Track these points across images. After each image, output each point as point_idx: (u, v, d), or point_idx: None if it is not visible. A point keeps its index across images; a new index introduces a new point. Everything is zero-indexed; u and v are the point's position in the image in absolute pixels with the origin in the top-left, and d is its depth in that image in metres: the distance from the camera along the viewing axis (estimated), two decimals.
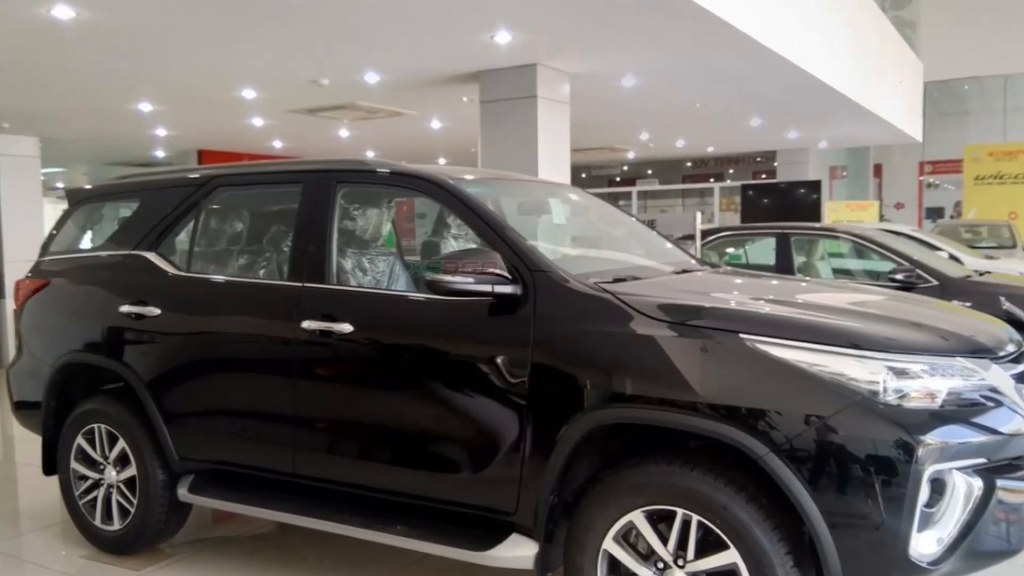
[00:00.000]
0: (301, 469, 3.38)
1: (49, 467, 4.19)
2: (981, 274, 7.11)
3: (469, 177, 3.52)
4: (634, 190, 18.10)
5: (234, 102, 9.20)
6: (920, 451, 2.32)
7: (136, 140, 12.17)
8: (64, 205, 4.57)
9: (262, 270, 3.97)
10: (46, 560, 4.02)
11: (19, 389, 4.41)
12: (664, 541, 2.59)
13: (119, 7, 5.56)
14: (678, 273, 3.53)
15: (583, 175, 21.53)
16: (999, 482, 2.43)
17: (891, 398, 2.38)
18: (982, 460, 2.43)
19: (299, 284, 3.38)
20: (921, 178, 25.02)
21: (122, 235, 4.12)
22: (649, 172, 20.93)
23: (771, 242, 7.24)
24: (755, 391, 2.46)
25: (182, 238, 4.00)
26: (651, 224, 5.71)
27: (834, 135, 14.99)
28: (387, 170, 3.42)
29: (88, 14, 5.63)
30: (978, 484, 2.41)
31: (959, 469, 2.40)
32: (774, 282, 3.67)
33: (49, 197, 13.07)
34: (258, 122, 10.79)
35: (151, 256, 3.90)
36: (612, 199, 16.12)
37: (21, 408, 4.41)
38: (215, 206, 4.07)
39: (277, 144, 13.12)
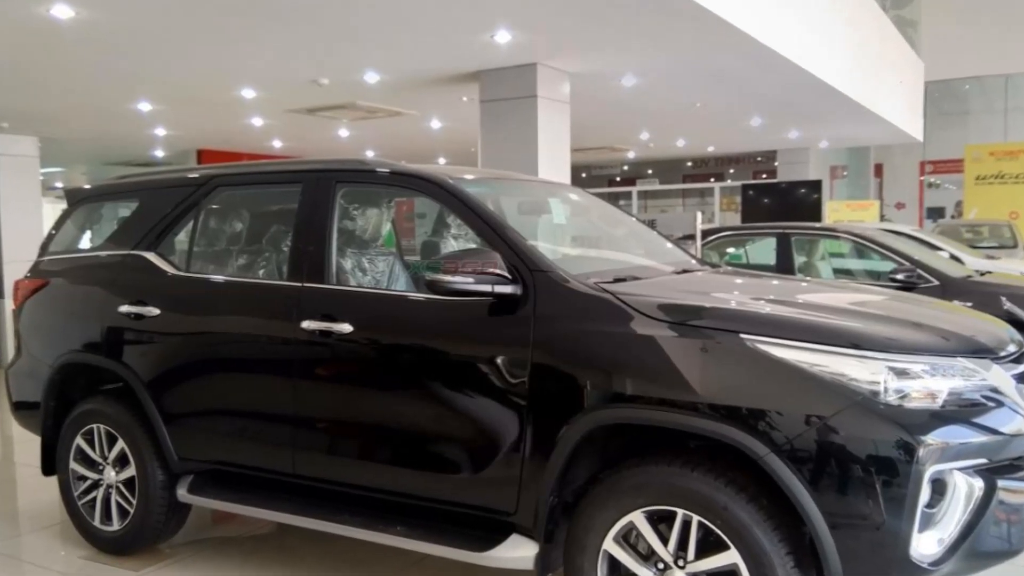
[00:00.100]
0: (301, 469, 3.38)
1: (48, 467, 4.18)
2: (982, 274, 7.10)
3: (469, 177, 3.52)
4: (634, 190, 18.09)
5: (234, 102, 9.20)
6: (921, 451, 2.31)
7: (135, 140, 12.17)
8: (63, 205, 4.57)
9: (262, 270, 3.97)
10: (45, 560, 4.01)
11: (18, 389, 4.40)
12: (664, 542, 2.58)
13: (118, 7, 5.56)
14: (678, 273, 3.52)
15: (583, 175, 21.53)
16: (1000, 482, 2.42)
17: (892, 398, 2.37)
18: (983, 460, 2.43)
19: (299, 284, 3.38)
20: (922, 178, 25.01)
21: (121, 235, 4.11)
22: (649, 172, 20.93)
23: (772, 242, 7.23)
24: (755, 391, 2.46)
25: (181, 238, 3.99)
26: (651, 224, 5.71)
27: (835, 135, 14.99)
28: (387, 170, 3.41)
29: (87, 13, 5.63)
30: (979, 485, 2.41)
31: (960, 469, 2.40)
32: (775, 282, 3.66)
33: (48, 197, 13.07)
34: (258, 122, 10.79)
35: (150, 256, 3.89)
36: (612, 199, 16.11)
37: (20, 408, 4.40)
38: (215, 206, 4.06)
39: (277, 144, 13.12)
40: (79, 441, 4.01)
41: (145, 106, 9.35)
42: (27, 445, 5.61)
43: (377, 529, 3.15)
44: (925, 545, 2.36)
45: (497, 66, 7.58)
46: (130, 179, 4.38)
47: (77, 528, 4.07)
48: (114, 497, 3.92)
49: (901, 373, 2.40)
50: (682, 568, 2.55)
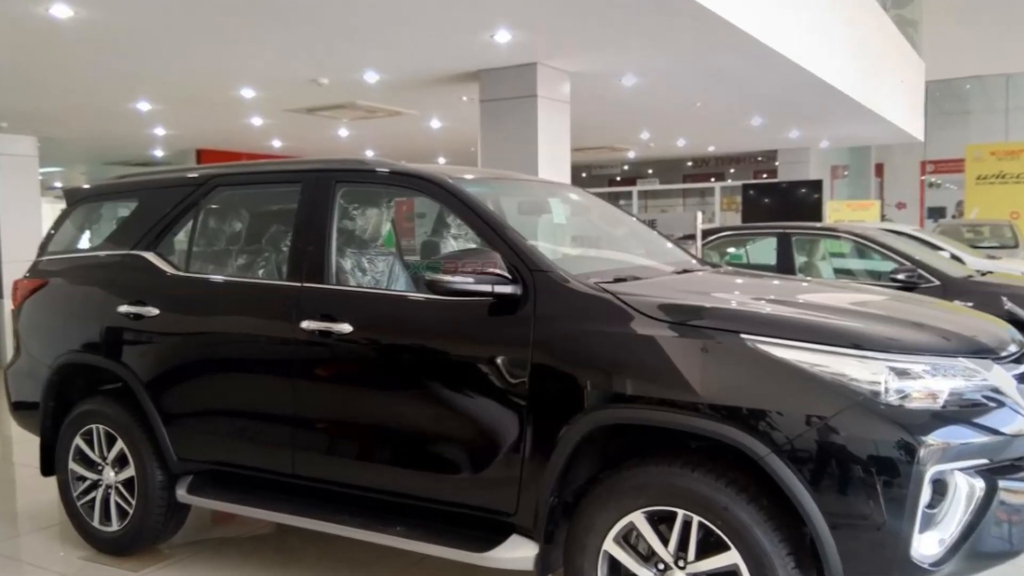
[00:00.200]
0: (300, 470, 3.37)
1: (47, 468, 4.17)
2: (983, 274, 7.09)
3: (469, 176, 3.51)
4: (635, 190, 18.07)
5: (233, 102, 9.19)
6: (922, 452, 2.30)
7: (135, 139, 12.16)
8: (62, 205, 4.56)
9: (261, 270, 3.96)
10: (44, 561, 4.01)
11: (17, 389, 4.40)
12: (665, 542, 2.57)
13: (118, 6, 5.55)
14: (679, 273, 3.51)
15: (583, 175, 21.52)
16: (1001, 483, 2.42)
17: (893, 398, 2.37)
18: (984, 461, 2.42)
19: (298, 284, 3.37)
20: (923, 178, 25.01)
21: (120, 235, 4.11)
22: (650, 171, 20.92)
23: (772, 242, 7.22)
24: (756, 391, 2.45)
25: (181, 238, 3.99)
26: (652, 224, 5.70)
27: (835, 134, 14.99)
28: (386, 169, 3.41)
29: (86, 13, 5.62)
30: (980, 485, 2.40)
31: (961, 470, 2.39)
32: (775, 282, 3.66)
33: (47, 197, 13.06)
34: (257, 121, 10.79)
35: (150, 256, 3.89)
36: (612, 199, 16.11)
37: (19, 408, 4.40)
38: (214, 206, 4.06)
39: (276, 144, 13.12)
40: (78, 441, 4.00)
41: (144, 106, 9.34)
42: (26, 445, 5.60)
43: (376, 530, 3.14)
44: (926, 545, 2.35)
45: (497, 66, 7.58)
46: (129, 179, 4.38)
47: (76, 528, 4.06)
48: (113, 497, 3.91)
49: (902, 373, 2.40)
50: (682, 568, 2.55)
